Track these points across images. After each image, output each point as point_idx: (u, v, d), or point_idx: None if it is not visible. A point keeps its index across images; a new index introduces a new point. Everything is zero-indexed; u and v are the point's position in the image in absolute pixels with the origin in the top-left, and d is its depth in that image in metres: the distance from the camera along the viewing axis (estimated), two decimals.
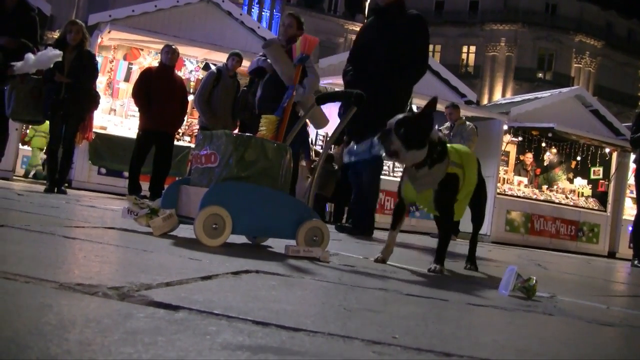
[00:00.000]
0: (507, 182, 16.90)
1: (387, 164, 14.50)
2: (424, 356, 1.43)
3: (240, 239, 4.04)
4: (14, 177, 12.22)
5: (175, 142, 10.39)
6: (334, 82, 13.92)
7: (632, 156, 11.61)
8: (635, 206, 10.22)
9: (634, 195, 10.70)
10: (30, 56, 7.83)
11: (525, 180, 17.43)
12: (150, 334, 1.25)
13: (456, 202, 3.78)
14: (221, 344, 1.25)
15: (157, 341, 1.20)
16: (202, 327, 1.38)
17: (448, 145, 3.72)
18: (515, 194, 16.60)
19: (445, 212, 3.78)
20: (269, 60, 7.68)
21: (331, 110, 13.09)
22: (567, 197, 17.47)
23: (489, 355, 1.52)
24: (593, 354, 1.82)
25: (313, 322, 1.62)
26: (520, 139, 17.30)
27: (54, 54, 7.83)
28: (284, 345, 1.33)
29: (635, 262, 9.26)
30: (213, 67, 11.40)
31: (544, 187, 17.61)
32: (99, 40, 13.04)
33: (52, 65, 7.93)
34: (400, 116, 3.54)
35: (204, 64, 14.19)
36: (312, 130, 12.62)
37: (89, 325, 1.26)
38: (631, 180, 14.92)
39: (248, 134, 3.76)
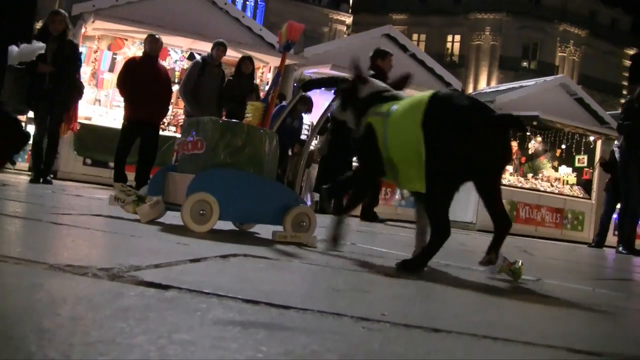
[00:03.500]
0: None
1: None
2: (412, 332, 1.44)
3: (227, 225, 4.04)
4: None
5: (161, 132, 10.34)
6: (319, 71, 13.92)
7: (615, 142, 11.76)
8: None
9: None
10: (13, 48, 7.76)
11: (510, 168, 17.48)
12: (141, 311, 1.26)
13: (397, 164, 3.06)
14: (212, 320, 1.26)
15: (148, 317, 1.21)
16: (193, 305, 1.39)
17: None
18: (501, 183, 16.65)
19: (359, 162, 3.51)
20: None
21: (317, 99, 13.12)
22: (552, 185, 17.54)
23: (477, 331, 1.54)
24: (579, 329, 1.85)
25: (302, 301, 1.63)
26: None
27: (37, 47, 7.76)
28: (274, 321, 1.34)
29: (620, 248, 9.36)
30: (198, 57, 11.35)
31: (529, 175, 17.66)
32: (83, 30, 12.93)
33: (34, 58, 7.87)
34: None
35: (188, 53, 14.13)
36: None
37: (80, 303, 1.27)
38: None
39: (234, 120, 3.75)
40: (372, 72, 9.45)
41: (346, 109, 3.49)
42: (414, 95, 3.12)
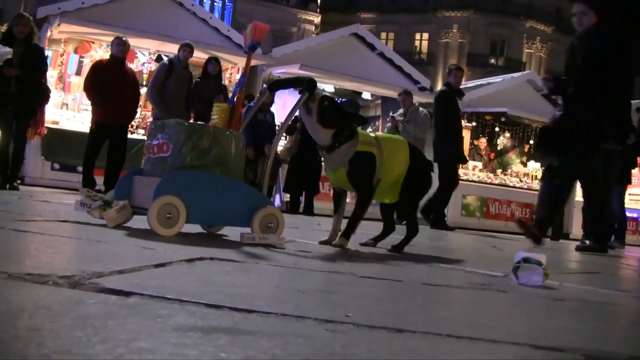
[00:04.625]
0: (462, 167, 17.03)
1: None
2: (376, 332, 1.44)
3: (195, 228, 4.02)
4: None
5: (129, 135, 10.27)
6: (288, 71, 13.91)
7: None
8: None
9: None
10: None
11: (479, 164, 17.58)
12: (101, 319, 1.24)
13: (381, 183, 4.01)
14: (173, 326, 1.25)
15: (107, 325, 1.20)
16: (154, 311, 1.38)
17: (363, 131, 4.14)
18: (471, 179, 16.73)
19: (360, 188, 3.98)
20: None
21: (286, 99, 13.09)
22: (521, 181, 17.68)
23: (442, 330, 1.54)
24: (545, 325, 1.86)
25: (267, 304, 1.62)
26: (474, 124, 17.46)
27: (4, 51, 7.69)
28: (237, 326, 1.33)
29: (586, 242, 9.43)
30: (165, 59, 11.29)
31: (499, 171, 17.79)
32: (49, 33, 12.80)
33: (1, 63, 7.77)
34: (326, 95, 4.02)
35: (156, 55, 14.06)
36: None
37: (38, 312, 1.25)
38: None
39: (200, 122, 3.74)
40: (445, 88, 10.21)
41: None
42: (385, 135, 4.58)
